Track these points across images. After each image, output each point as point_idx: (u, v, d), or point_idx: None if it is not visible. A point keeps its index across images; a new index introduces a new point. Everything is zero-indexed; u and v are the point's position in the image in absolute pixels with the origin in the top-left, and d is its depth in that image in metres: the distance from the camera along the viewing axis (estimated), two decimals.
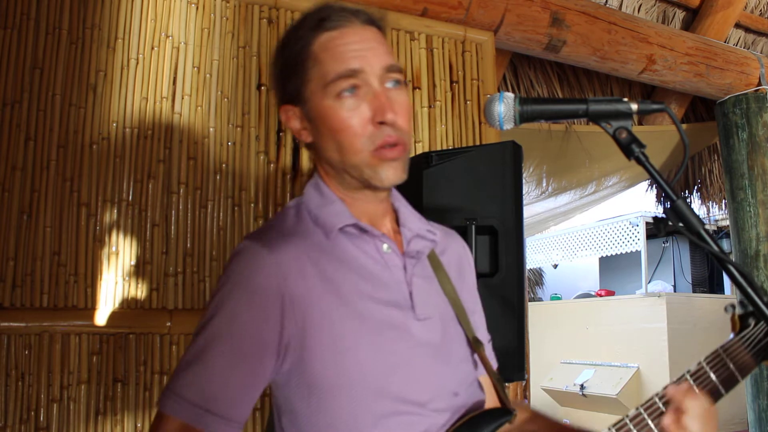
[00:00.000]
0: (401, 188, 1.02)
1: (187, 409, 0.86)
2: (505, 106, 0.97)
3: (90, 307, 1.89)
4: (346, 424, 0.89)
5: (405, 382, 0.92)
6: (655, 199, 5.07)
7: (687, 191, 4.65)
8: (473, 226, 1.71)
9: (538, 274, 9.66)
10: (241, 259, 0.92)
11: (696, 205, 4.61)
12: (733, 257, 2.19)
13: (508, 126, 0.98)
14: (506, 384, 2.10)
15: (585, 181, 4.40)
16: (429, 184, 1.77)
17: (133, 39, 2.07)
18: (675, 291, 7.56)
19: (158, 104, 2.07)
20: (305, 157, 2.24)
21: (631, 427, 0.92)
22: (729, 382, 0.98)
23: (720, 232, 7.74)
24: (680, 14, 3.63)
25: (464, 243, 1.17)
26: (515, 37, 2.74)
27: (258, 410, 2.01)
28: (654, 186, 4.94)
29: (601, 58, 3.03)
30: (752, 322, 1.00)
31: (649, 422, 0.93)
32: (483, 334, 1.12)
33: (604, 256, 7.61)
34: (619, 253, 7.10)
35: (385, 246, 0.98)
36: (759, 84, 3.58)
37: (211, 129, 2.12)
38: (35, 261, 1.85)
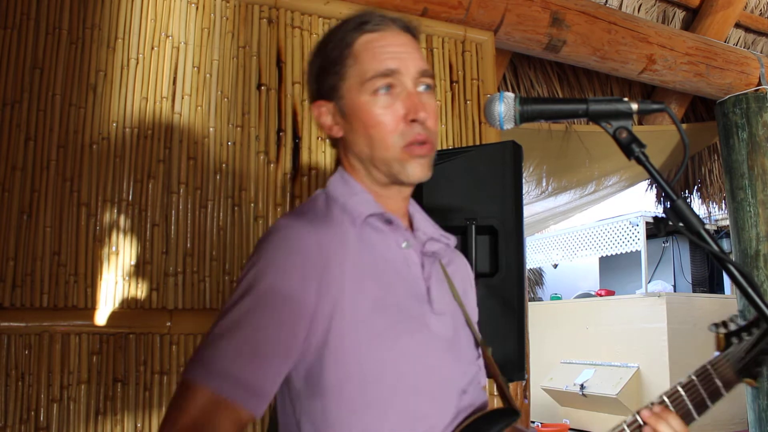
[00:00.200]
0: None
1: (218, 380, 0.83)
2: (505, 105, 0.97)
3: (90, 307, 1.89)
4: (359, 409, 0.89)
5: (421, 372, 0.93)
6: (655, 199, 5.08)
7: (687, 191, 4.65)
8: (473, 226, 1.71)
9: (538, 274, 9.67)
10: (282, 235, 0.92)
11: (696, 205, 4.61)
12: (733, 257, 2.19)
13: (509, 126, 0.98)
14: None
15: (585, 181, 4.40)
16: (429, 184, 1.76)
17: (133, 39, 2.07)
18: (675, 291, 7.57)
19: (158, 104, 2.07)
20: (305, 157, 2.24)
21: None
22: (715, 396, 1.07)
23: (720, 232, 7.75)
24: (680, 14, 3.64)
25: (467, 261, 1.21)
26: (515, 37, 2.74)
27: None
28: (654, 186, 4.95)
29: (601, 58, 3.03)
30: (735, 341, 1.10)
31: None
32: None
33: (604, 256, 7.62)
34: (619, 253, 7.11)
35: (404, 243, 1.01)
36: (759, 84, 3.58)
37: (211, 129, 2.12)
38: (35, 261, 1.85)
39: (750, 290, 0.89)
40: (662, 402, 1.04)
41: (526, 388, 2.48)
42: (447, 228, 1.14)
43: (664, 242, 8.24)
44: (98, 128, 1.98)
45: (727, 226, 4.47)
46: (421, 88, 1.00)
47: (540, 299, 9.17)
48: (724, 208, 4.40)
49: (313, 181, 2.24)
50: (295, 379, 0.93)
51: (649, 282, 6.78)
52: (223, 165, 2.12)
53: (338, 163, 1.08)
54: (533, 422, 6.14)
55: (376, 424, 0.90)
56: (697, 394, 1.05)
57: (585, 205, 5.24)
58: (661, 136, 3.91)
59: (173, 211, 2.03)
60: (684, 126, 3.77)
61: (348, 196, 1.00)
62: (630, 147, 0.94)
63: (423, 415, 0.92)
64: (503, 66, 3.24)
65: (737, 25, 3.74)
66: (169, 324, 1.95)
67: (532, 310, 6.71)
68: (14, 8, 1.94)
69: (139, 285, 1.96)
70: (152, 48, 2.09)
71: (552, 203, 4.83)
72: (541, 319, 6.79)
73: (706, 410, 1.06)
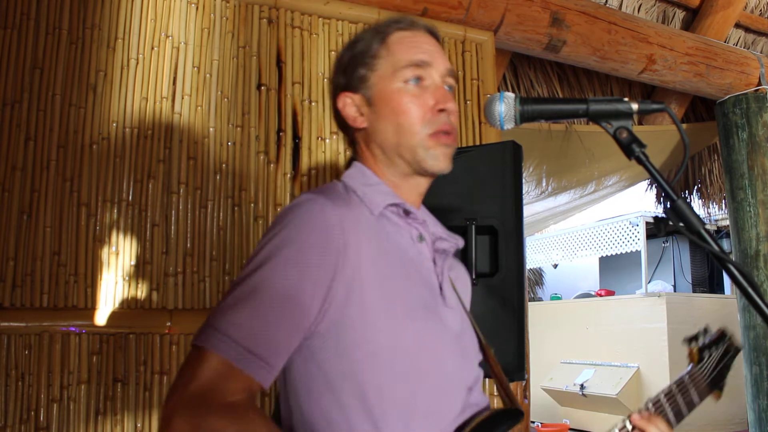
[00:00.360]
0: None
1: (231, 348, 0.83)
2: (505, 105, 0.97)
3: (90, 307, 1.89)
4: (368, 391, 0.89)
5: (431, 360, 0.94)
6: (655, 199, 5.07)
7: (687, 191, 4.64)
8: (473, 226, 1.70)
9: (538, 274, 9.68)
10: (304, 209, 0.92)
11: (696, 205, 4.61)
12: (733, 257, 2.19)
13: (509, 126, 0.99)
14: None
15: (585, 181, 4.40)
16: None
17: (133, 39, 2.07)
18: (675, 291, 7.57)
19: (158, 104, 2.07)
20: (305, 157, 2.23)
21: None
22: (690, 407, 1.18)
23: (720, 232, 7.75)
24: (680, 14, 3.63)
25: (466, 270, 1.23)
26: (515, 37, 2.74)
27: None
28: (654, 186, 4.95)
29: (601, 58, 3.03)
30: (706, 355, 1.22)
31: None
32: None
33: (604, 256, 7.62)
34: (619, 253, 7.11)
35: (419, 236, 1.04)
36: (759, 84, 3.58)
37: (211, 129, 2.12)
38: (35, 261, 1.85)
39: (750, 290, 0.89)
40: (648, 409, 1.12)
41: (526, 388, 2.47)
42: (447, 228, 1.14)
43: (664, 242, 8.24)
44: (98, 128, 1.98)
45: (727, 226, 4.47)
46: (446, 87, 1.05)
47: (540, 299, 9.18)
48: (724, 208, 4.40)
49: (313, 181, 2.24)
50: (306, 354, 0.92)
51: (649, 282, 6.78)
52: (223, 165, 2.12)
53: (351, 160, 1.10)
54: (533, 422, 6.14)
55: (386, 404, 0.90)
56: (675, 404, 1.16)
57: (585, 205, 5.25)
58: (661, 136, 3.91)
59: (173, 211, 2.03)
60: (684, 126, 3.77)
61: (366, 186, 1.02)
62: (630, 147, 0.94)
63: (433, 401, 0.93)
64: (503, 66, 3.24)
65: (737, 25, 3.74)
66: (169, 324, 1.95)
67: (532, 310, 6.71)
68: (14, 8, 1.94)
69: (139, 285, 1.96)
70: (152, 48, 2.09)
71: (552, 203, 4.83)
72: (541, 319, 6.79)
73: (683, 419, 1.17)
